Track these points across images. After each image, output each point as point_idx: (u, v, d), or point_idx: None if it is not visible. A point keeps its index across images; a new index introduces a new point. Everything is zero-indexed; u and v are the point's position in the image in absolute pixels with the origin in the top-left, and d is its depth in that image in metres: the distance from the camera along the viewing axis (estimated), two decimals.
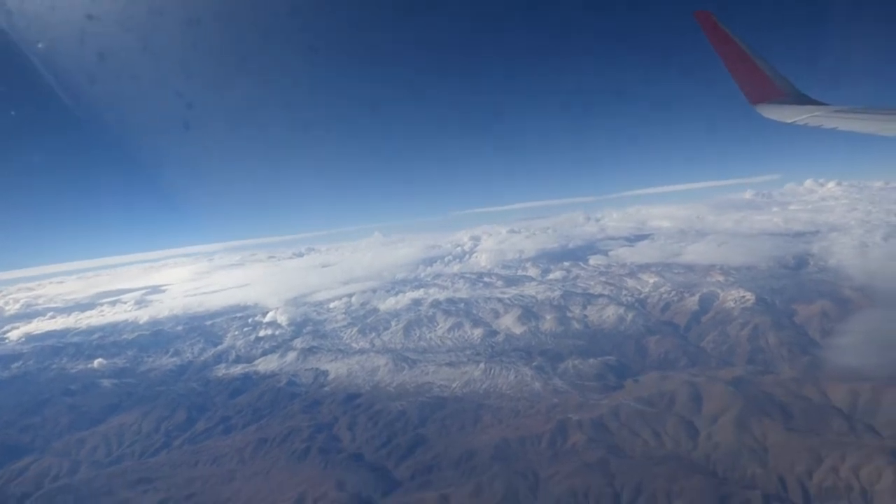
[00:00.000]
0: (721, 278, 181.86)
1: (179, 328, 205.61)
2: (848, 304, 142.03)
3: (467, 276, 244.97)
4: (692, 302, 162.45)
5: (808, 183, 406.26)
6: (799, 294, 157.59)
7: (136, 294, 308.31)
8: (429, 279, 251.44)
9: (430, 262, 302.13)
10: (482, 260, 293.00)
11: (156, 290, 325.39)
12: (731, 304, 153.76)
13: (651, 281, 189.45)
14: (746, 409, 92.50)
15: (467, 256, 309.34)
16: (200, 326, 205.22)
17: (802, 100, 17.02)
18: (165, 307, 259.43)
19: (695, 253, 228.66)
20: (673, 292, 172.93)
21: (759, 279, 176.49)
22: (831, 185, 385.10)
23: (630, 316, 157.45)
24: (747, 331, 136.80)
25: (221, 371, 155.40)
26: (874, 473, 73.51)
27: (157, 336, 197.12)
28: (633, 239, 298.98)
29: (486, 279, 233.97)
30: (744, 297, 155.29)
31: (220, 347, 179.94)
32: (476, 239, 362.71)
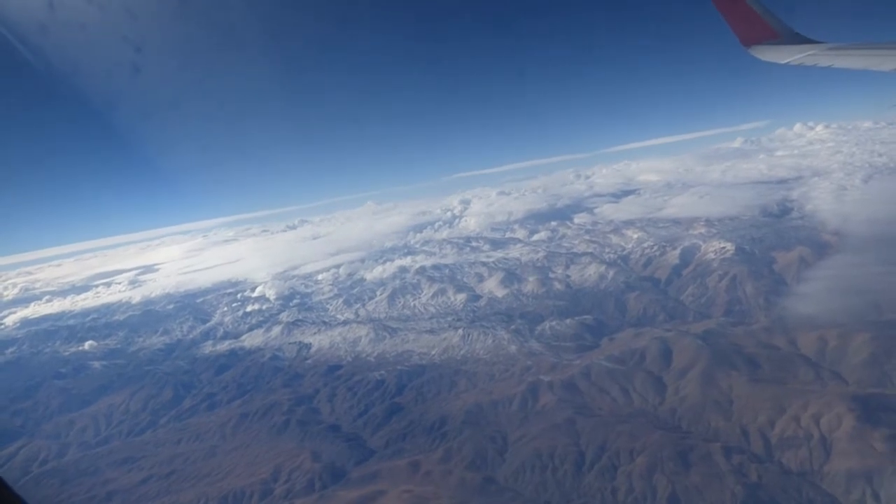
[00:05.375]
0: (703, 230, 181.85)
1: (170, 307, 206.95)
2: (825, 250, 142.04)
3: (455, 241, 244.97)
4: (673, 256, 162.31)
5: (798, 127, 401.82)
6: (779, 242, 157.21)
7: (130, 274, 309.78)
8: (417, 246, 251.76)
9: (420, 228, 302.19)
10: (471, 224, 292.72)
11: (149, 269, 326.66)
12: (712, 255, 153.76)
13: (635, 236, 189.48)
14: (714, 362, 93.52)
15: (457, 221, 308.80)
16: (191, 304, 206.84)
17: (797, 39, 16.71)
18: (158, 286, 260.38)
19: (677, 206, 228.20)
20: (655, 247, 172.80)
21: (741, 229, 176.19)
22: (819, 128, 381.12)
23: (611, 273, 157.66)
24: (726, 282, 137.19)
25: (208, 348, 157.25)
26: (834, 420, 74.51)
27: (148, 316, 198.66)
28: (620, 195, 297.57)
29: (473, 243, 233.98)
30: (724, 248, 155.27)
31: (208, 324, 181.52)
32: (466, 202, 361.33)
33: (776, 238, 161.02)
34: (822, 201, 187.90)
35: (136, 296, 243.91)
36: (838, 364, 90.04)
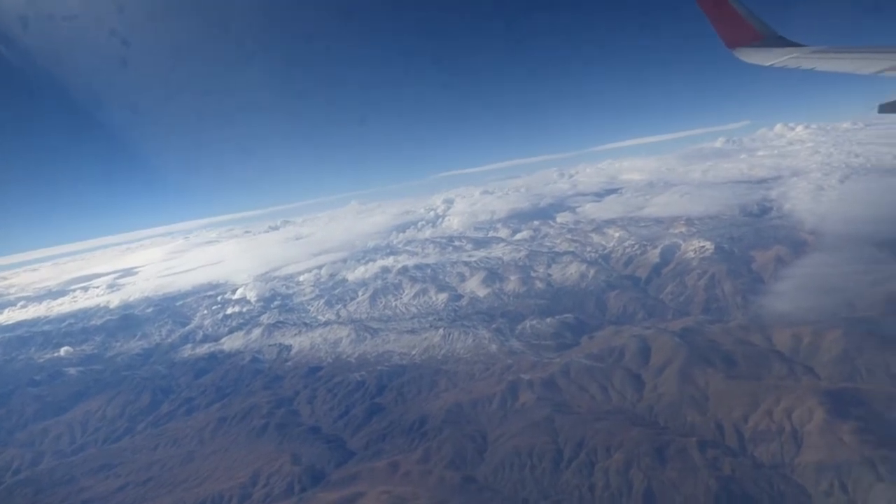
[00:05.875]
0: (684, 229, 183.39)
1: (149, 310, 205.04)
2: (802, 248, 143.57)
3: (438, 240, 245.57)
4: (654, 254, 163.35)
5: (778, 127, 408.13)
6: (757, 241, 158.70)
7: (109, 278, 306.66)
8: (400, 246, 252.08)
9: (403, 228, 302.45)
10: (454, 223, 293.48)
11: (129, 272, 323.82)
12: (691, 254, 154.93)
13: (616, 235, 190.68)
14: (691, 359, 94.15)
15: (440, 220, 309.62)
16: (170, 307, 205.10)
17: (780, 42, 16.94)
18: (137, 290, 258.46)
19: (659, 205, 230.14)
20: (636, 246, 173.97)
21: (720, 228, 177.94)
22: (800, 128, 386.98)
23: (592, 272, 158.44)
24: (704, 280, 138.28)
25: (187, 352, 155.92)
26: (806, 414, 75.32)
27: (126, 320, 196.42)
28: (603, 194, 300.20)
29: (456, 243, 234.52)
30: (703, 246, 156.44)
31: (187, 328, 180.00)
32: (449, 202, 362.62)
33: (755, 237, 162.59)
34: (800, 201, 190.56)
35: (115, 300, 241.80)
36: (811, 360, 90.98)
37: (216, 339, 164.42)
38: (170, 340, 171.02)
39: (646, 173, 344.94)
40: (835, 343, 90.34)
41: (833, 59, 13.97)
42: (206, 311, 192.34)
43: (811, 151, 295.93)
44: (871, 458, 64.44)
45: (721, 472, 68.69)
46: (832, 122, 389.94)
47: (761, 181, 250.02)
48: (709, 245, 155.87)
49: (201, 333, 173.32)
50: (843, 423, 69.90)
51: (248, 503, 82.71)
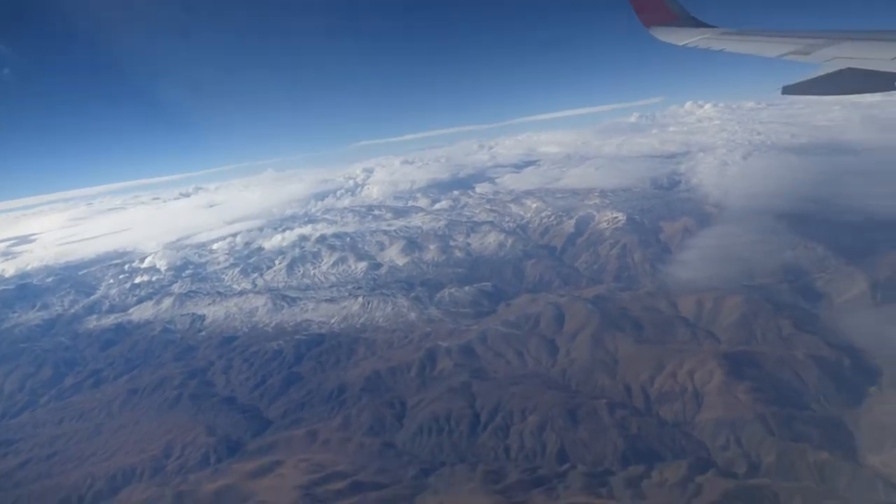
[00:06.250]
0: (598, 201, 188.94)
1: (49, 280, 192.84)
2: (707, 220, 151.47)
3: (357, 209, 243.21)
4: (569, 225, 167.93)
5: (689, 105, 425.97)
6: (666, 213, 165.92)
7: (2, 246, 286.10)
8: (318, 214, 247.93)
9: (322, 196, 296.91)
10: (374, 192, 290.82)
11: (24, 240, 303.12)
12: (605, 225, 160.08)
13: (533, 206, 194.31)
14: (603, 325, 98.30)
15: (359, 189, 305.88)
16: (72, 277, 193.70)
17: (693, 22, 17.61)
18: (35, 258, 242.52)
19: (575, 177, 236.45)
20: (553, 216, 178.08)
21: (632, 200, 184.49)
22: (708, 106, 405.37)
23: (510, 242, 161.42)
24: (616, 250, 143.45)
25: (93, 322, 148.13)
26: (706, 375, 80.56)
27: (24, 290, 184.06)
28: (521, 165, 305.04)
29: (375, 212, 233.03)
30: (616, 217, 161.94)
31: (92, 298, 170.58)
32: (369, 171, 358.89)
33: (664, 209, 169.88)
34: (707, 175, 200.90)
35: (10, 268, 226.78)
36: (712, 325, 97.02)
37: (124, 309, 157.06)
38: (73, 311, 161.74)
39: (563, 146, 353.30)
40: (734, 309, 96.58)
41: (741, 41, 14.59)
42: (112, 281, 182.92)
43: (718, 129, 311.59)
44: (764, 414, 69.87)
45: (629, 431, 72.56)
46: (738, 101, 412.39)
47: (671, 156, 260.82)
48: (621, 216, 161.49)
49: (107, 303, 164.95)
50: (739, 384, 75.27)
51: (161, 475, 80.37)
